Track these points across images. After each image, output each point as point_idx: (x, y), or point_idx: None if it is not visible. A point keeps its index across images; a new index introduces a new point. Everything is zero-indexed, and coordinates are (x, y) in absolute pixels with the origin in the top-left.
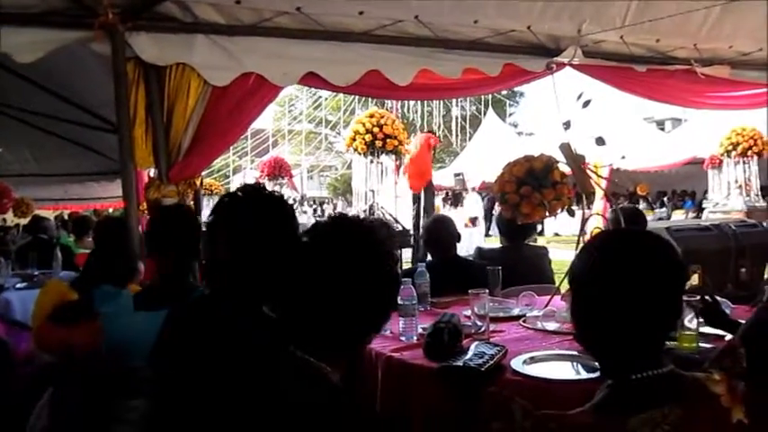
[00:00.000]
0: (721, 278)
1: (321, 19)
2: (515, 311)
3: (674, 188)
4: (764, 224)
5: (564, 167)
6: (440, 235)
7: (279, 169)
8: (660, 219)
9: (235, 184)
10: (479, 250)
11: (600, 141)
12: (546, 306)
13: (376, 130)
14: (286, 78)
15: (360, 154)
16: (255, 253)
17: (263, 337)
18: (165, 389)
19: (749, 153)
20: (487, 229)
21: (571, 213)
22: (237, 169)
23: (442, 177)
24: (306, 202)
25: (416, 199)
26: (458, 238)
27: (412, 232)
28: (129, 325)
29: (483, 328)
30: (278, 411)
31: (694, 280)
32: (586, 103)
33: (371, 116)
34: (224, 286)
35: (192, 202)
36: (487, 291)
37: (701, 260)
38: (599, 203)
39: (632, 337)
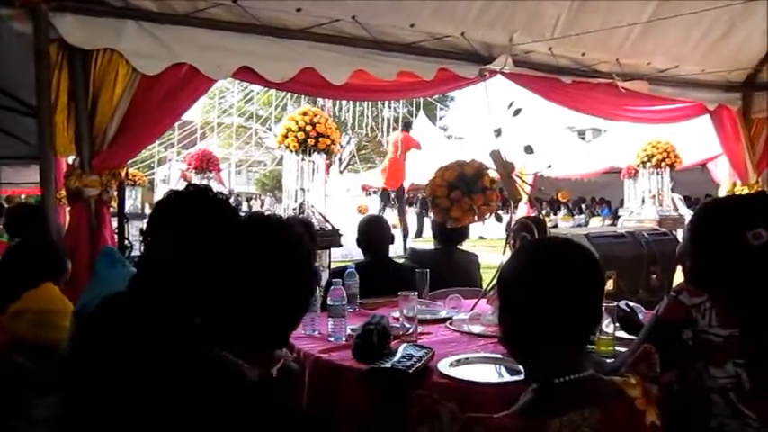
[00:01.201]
0: (634, 284)
1: (258, 13)
2: (443, 314)
3: (593, 195)
4: (674, 233)
5: (493, 174)
6: (372, 236)
7: (207, 163)
8: (579, 225)
9: (160, 175)
10: (413, 251)
11: (528, 150)
12: (472, 309)
13: (309, 128)
14: (219, 71)
15: (291, 152)
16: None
17: (180, 335)
18: (80, 387)
19: (662, 165)
20: (419, 233)
21: (498, 219)
22: (163, 161)
23: (372, 177)
24: (235, 198)
25: (385, 197)
26: (391, 239)
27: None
28: None
29: (411, 330)
30: (188, 409)
31: (609, 285)
32: (517, 112)
33: (304, 114)
34: (156, 286)
35: (116, 193)
36: (416, 293)
37: (616, 266)
38: (523, 209)
39: (556, 342)
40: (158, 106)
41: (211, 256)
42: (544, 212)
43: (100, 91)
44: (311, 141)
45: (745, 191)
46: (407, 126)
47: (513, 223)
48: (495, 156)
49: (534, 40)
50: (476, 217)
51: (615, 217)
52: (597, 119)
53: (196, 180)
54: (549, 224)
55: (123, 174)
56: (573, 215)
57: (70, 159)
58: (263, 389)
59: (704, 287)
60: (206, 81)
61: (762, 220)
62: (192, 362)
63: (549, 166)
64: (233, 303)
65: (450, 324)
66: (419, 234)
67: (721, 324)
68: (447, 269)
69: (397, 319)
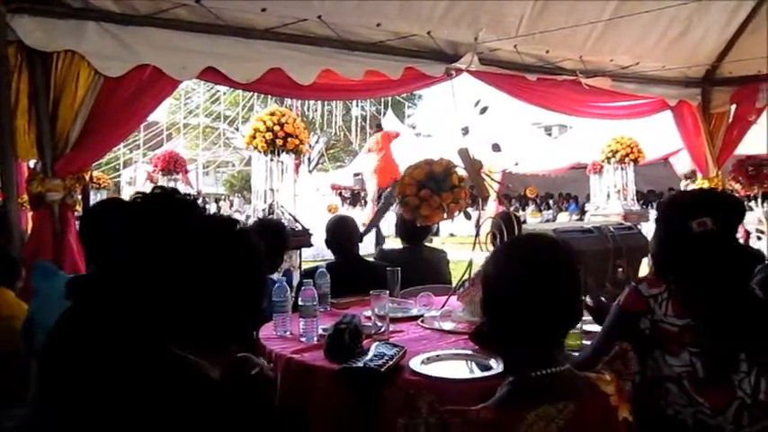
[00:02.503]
0: (601, 278)
1: (222, 13)
2: (414, 311)
3: (560, 191)
4: (638, 226)
5: (462, 171)
6: (341, 235)
7: (174, 164)
8: (547, 220)
9: (125, 177)
10: (381, 251)
11: (496, 148)
12: (443, 306)
13: (277, 128)
14: (185, 72)
15: (260, 152)
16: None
17: (140, 338)
18: (45, 395)
19: (626, 160)
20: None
21: (467, 216)
22: (128, 162)
23: (341, 176)
24: (203, 199)
25: (383, 195)
26: (359, 238)
27: None
28: None
29: (383, 329)
30: (153, 410)
31: None
32: (483, 110)
33: (272, 114)
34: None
35: (80, 197)
36: (387, 292)
37: (584, 261)
38: (491, 206)
39: (536, 338)
40: (122, 108)
41: (164, 256)
42: (513, 208)
43: (61, 93)
44: (279, 142)
45: (706, 184)
46: (379, 126)
47: (481, 220)
48: (463, 154)
49: (499, 38)
50: (445, 214)
51: (582, 212)
52: (563, 115)
53: (163, 182)
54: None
55: (88, 177)
56: (541, 211)
57: (31, 163)
58: (230, 388)
59: (664, 278)
60: (171, 82)
61: (707, 210)
62: (156, 365)
63: (516, 164)
64: (188, 304)
65: (422, 322)
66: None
67: (677, 314)
68: (416, 267)
69: (369, 318)
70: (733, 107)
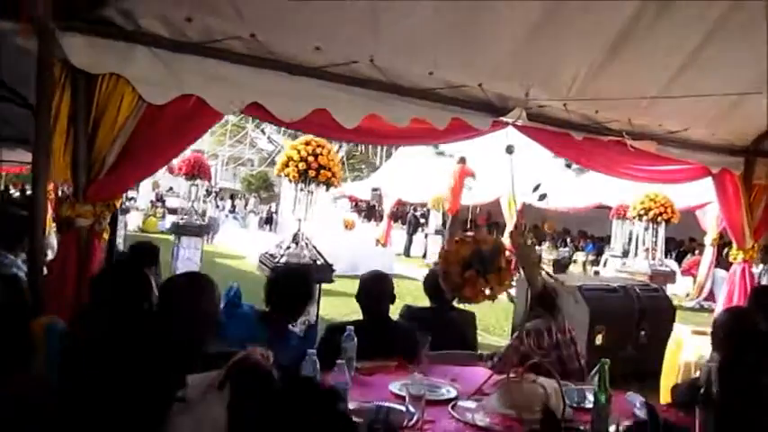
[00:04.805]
0: (623, 339)
1: (274, 48)
2: (443, 392)
3: (579, 228)
4: (664, 288)
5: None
6: (372, 293)
7: (198, 168)
8: (563, 258)
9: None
10: (408, 309)
11: (542, 198)
12: (475, 393)
13: (311, 159)
14: (229, 106)
15: (291, 181)
16: None
17: None
18: None
19: (659, 219)
20: (407, 249)
21: (510, 298)
22: None
23: (359, 189)
24: (218, 197)
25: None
26: (392, 299)
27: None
28: None
29: (416, 417)
30: None
31: (598, 340)
32: (542, 197)
33: (307, 144)
34: None
35: (107, 224)
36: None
37: (607, 320)
38: (506, 237)
39: None
40: (162, 137)
41: None
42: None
43: (102, 116)
44: (312, 173)
45: (741, 255)
46: (463, 160)
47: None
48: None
49: (550, 99)
50: (488, 295)
51: (599, 253)
52: None
53: (185, 185)
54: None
55: (118, 204)
56: (558, 248)
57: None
58: None
59: None
60: (215, 114)
61: None
62: None
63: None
64: None
65: (453, 408)
66: (407, 252)
67: None
68: (443, 329)
69: (401, 397)
70: None
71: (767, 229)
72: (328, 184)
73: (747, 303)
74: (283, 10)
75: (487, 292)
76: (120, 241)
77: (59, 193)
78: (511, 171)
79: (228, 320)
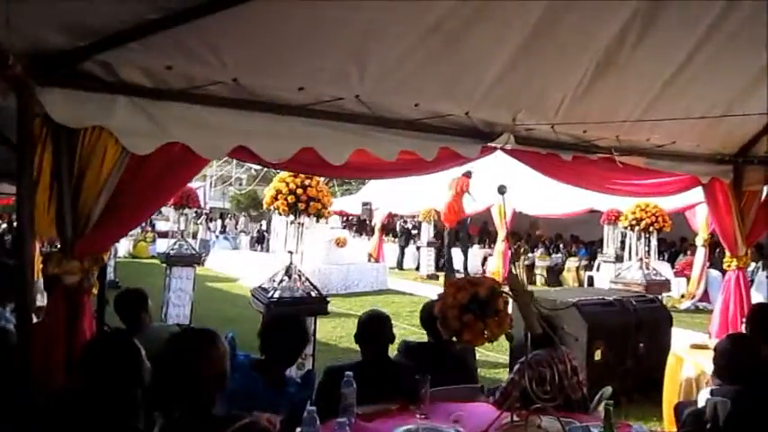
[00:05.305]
0: (622, 354)
1: (257, 91)
2: None
3: (570, 233)
4: (660, 297)
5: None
6: (371, 333)
7: (186, 199)
8: (556, 265)
9: None
10: (406, 345)
11: (501, 190)
12: None
13: (299, 191)
14: (214, 151)
15: (280, 214)
16: None
17: None
18: None
19: (651, 229)
20: (400, 262)
21: (509, 338)
22: None
23: (349, 204)
24: (208, 219)
25: (445, 234)
26: (391, 339)
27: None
28: None
29: None
30: None
31: (597, 356)
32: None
33: (296, 175)
34: None
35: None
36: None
37: (605, 336)
38: (501, 245)
39: None
40: (149, 186)
41: None
42: (521, 250)
43: (86, 169)
44: (302, 205)
45: (734, 262)
46: (469, 174)
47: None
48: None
49: (538, 123)
50: (486, 338)
51: (592, 258)
52: None
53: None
54: (525, 262)
55: (106, 258)
56: (550, 254)
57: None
58: None
59: None
60: (201, 159)
61: None
62: None
63: (503, 191)
64: None
65: None
66: (400, 266)
67: None
68: (442, 364)
69: None
70: (766, 187)
71: (759, 234)
72: (319, 216)
73: (747, 325)
74: (265, 54)
75: (486, 334)
76: (110, 270)
77: (45, 248)
78: (503, 207)
79: None
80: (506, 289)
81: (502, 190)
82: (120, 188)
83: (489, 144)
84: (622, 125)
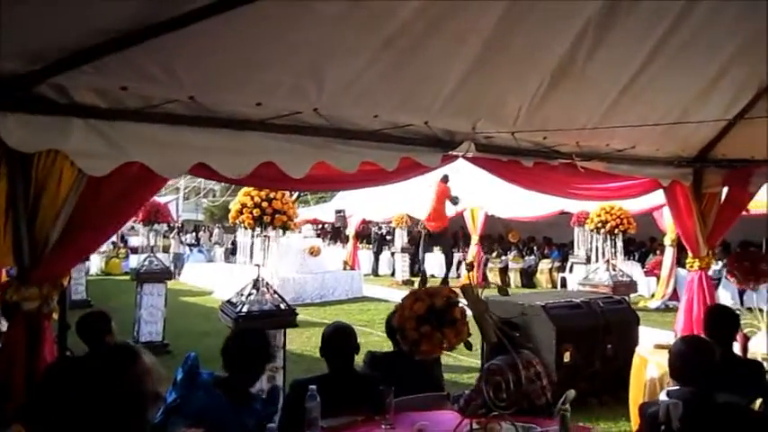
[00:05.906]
0: (591, 356)
1: (215, 107)
2: None
3: (542, 235)
4: (627, 299)
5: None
6: (336, 347)
7: (155, 215)
8: (529, 267)
9: None
10: (372, 356)
11: (455, 201)
12: None
13: (265, 204)
14: (173, 169)
15: (246, 228)
16: None
17: None
18: None
19: (616, 231)
20: (375, 269)
21: (468, 346)
22: None
23: (322, 212)
24: (181, 232)
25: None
26: (356, 350)
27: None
28: None
29: None
30: None
31: (566, 358)
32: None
33: (261, 189)
34: None
35: (56, 304)
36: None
37: (573, 339)
38: (474, 249)
39: None
40: (106, 208)
41: None
42: (494, 254)
43: (42, 193)
44: (267, 219)
45: (697, 263)
46: (446, 179)
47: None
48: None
49: (498, 131)
50: (445, 348)
51: (564, 259)
52: None
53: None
54: (499, 265)
55: (66, 282)
56: (523, 257)
57: None
58: None
59: None
60: (160, 178)
61: None
62: None
63: (456, 201)
64: None
65: None
66: (375, 272)
67: None
68: (408, 373)
69: None
70: (725, 189)
71: (720, 235)
72: (285, 228)
73: (704, 327)
74: (221, 71)
75: (445, 345)
76: (81, 289)
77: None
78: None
79: (188, 393)
80: (462, 299)
81: (455, 201)
82: (79, 210)
83: (450, 152)
84: (582, 131)
